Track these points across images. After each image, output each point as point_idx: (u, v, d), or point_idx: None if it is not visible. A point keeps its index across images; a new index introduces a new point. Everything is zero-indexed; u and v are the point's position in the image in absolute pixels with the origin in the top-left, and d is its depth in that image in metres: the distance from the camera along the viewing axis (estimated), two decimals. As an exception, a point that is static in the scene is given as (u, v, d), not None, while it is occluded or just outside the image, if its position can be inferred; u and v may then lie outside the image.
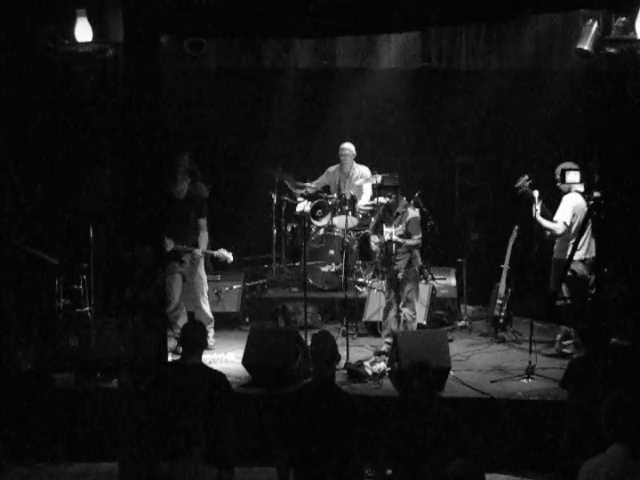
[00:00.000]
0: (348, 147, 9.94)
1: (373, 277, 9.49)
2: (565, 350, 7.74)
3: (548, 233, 7.82)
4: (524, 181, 7.82)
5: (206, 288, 8.24)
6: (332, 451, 4.65)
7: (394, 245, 7.70)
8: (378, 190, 8.39)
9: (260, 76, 10.20)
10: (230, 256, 8.17)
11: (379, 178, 9.48)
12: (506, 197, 10.13)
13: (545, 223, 7.73)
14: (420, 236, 7.88)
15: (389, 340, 7.78)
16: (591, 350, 5.67)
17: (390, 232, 7.70)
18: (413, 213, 7.92)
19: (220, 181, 10.45)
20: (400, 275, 7.80)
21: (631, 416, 4.12)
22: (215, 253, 8.18)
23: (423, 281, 8.58)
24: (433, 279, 9.19)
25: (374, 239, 8.15)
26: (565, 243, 7.62)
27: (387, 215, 7.97)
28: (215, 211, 8.73)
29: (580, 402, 5.19)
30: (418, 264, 7.99)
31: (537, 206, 7.71)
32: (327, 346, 4.87)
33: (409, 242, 7.74)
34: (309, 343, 7.69)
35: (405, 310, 7.79)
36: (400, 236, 7.70)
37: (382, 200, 9.56)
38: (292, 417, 4.75)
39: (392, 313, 7.90)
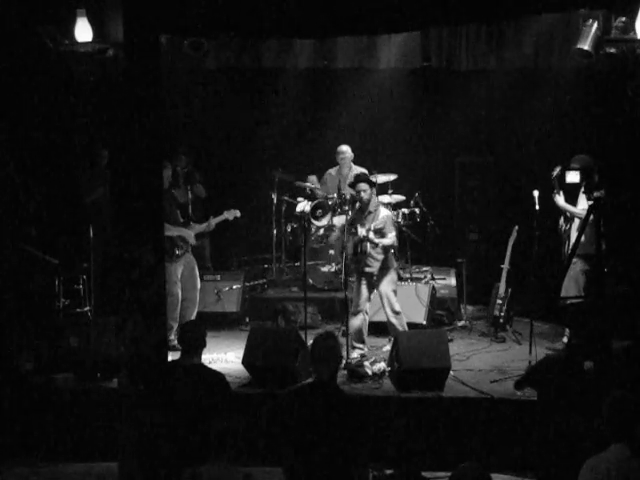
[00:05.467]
0: (346, 150, 9.94)
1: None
2: None
3: (562, 228, 7.83)
4: (558, 171, 7.81)
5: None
6: (332, 451, 4.65)
7: (368, 244, 7.51)
8: (353, 184, 7.94)
9: (260, 76, 10.20)
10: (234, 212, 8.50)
11: (378, 178, 9.51)
12: (506, 197, 10.17)
13: (573, 210, 7.72)
14: (394, 234, 7.67)
15: (360, 345, 7.75)
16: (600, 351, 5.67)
17: (364, 229, 7.49)
18: (385, 212, 7.73)
19: (220, 181, 10.47)
20: (375, 278, 7.69)
21: (632, 415, 4.13)
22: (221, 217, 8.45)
23: (401, 282, 8.52)
24: (433, 279, 9.20)
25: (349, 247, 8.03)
26: (590, 234, 7.51)
27: (359, 215, 7.75)
28: (215, 211, 8.74)
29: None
30: (393, 266, 7.80)
31: (560, 194, 7.75)
32: (330, 347, 4.87)
33: (384, 241, 7.52)
34: (309, 343, 7.77)
35: (395, 322, 7.68)
36: (375, 232, 7.46)
37: (382, 199, 9.64)
38: (291, 416, 4.75)
39: (360, 317, 7.73)
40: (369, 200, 7.66)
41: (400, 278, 8.69)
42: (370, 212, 7.68)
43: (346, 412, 4.74)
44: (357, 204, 7.82)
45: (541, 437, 5.34)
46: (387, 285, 7.72)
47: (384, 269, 7.68)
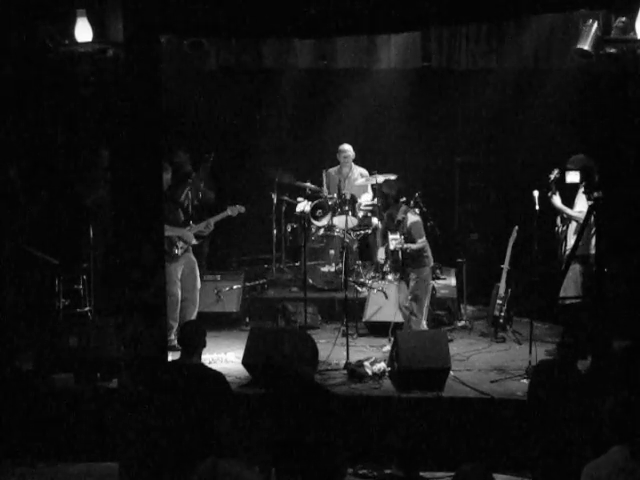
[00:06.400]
0: (348, 148, 9.96)
1: (373, 277, 9.50)
2: None
3: (559, 229, 7.84)
4: (556, 174, 7.82)
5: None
6: (314, 449, 4.64)
7: (400, 253, 7.84)
8: (379, 190, 8.43)
9: (260, 76, 10.20)
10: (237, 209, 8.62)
11: (379, 178, 9.54)
12: (506, 197, 10.17)
13: (570, 212, 7.74)
14: (423, 239, 7.93)
15: None
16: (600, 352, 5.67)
17: (394, 240, 7.83)
18: (413, 218, 7.96)
19: (220, 181, 10.45)
20: (412, 275, 7.90)
21: (633, 417, 4.11)
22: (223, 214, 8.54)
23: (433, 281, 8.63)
24: (438, 278, 9.21)
25: (380, 252, 8.40)
26: (587, 235, 7.53)
27: (390, 223, 8.06)
28: (215, 211, 8.75)
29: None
30: (430, 264, 8.07)
31: (556, 196, 7.77)
32: (307, 346, 4.89)
33: (413, 247, 7.82)
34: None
35: (413, 304, 7.85)
36: (405, 240, 7.82)
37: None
38: (274, 416, 4.75)
39: (405, 314, 8.03)
40: (384, 207, 8.19)
41: (436, 277, 8.76)
42: (399, 221, 7.95)
43: (327, 409, 4.75)
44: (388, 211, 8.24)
45: (537, 439, 5.33)
46: (419, 283, 7.90)
47: (419, 267, 7.91)
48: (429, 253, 8.02)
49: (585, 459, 4.20)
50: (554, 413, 5.24)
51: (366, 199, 9.98)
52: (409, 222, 7.87)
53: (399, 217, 7.93)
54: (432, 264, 8.19)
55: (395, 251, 7.87)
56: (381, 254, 8.35)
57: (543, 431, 5.27)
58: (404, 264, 7.90)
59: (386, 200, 8.08)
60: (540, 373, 5.63)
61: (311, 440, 4.63)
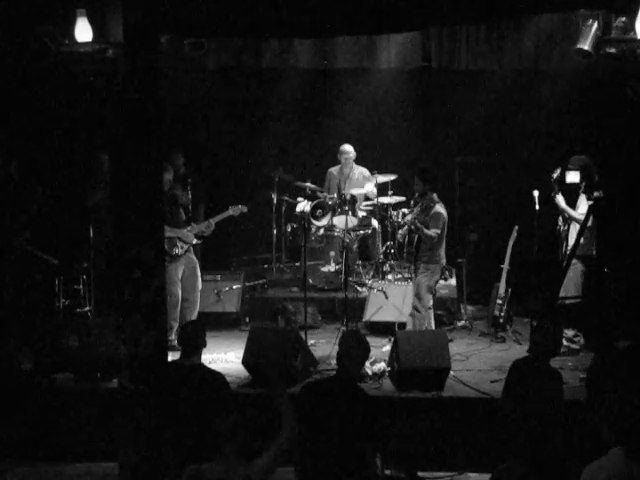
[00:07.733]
0: (349, 149, 9.96)
1: (373, 277, 9.50)
2: (573, 346, 7.74)
3: (560, 228, 7.84)
4: (558, 173, 7.82)
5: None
6: (346, 446, 4.66)
7: (414, 230, 7.86)
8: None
9: (260, 76, 10.20)
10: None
11: (378, 178, 9.54)
12: (506, 197, 10.17)
13: (572, 213, 7.74)
14: (437, 231, 7.76)
15: None
16: (602, 352, 5.66)
17: (410, 215, 7.95)
18: (438, 209, 7.85)
19: (220, 181, 10.47)
20: (420, 269, 7.86)
21: (632, 419, 4.10)
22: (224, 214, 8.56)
23: (443, 281, 8.60)
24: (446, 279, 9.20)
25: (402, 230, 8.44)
26: (589, 235, 7.53)
27: (418, 211, 8.09)
28: (217, 211, 8.75)
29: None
30: (441, 264, 7.95)
31: (560, 196, 7.76)
32: (360, 346, 4.91)
33: (425, 230, 7.75)
34: (310, 343, 7.80)
35: (415, 299, 7.80)
36: (418, 221, 7.80)
37: (382, 200, 9.66)
38: (308, 408, 4.76)
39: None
40: (421, 193, 8.03)
41: (444, 278, 8.74)
42: (426, 207, 7.91)
43: (365, 409, 4.76)
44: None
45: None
46: (423, 278, 7.84)
47: (429, 263, 7.84)
48: (442, 253, 7.90)
49: (584, 460, 4.20)
50: (526, 411, 5.24)
51: (368, 188, 9.90)
52: (432, 211, 7.82)
53: (425, 203, 7.91)
54: (443, 265, 8.06)
55: (411, 230, 7.92)
56: (402, 231, 8.37)
57: (516, 429, 5.27)
58: (417, 257, 7.88)
59: (423, 188, 7.95)
60: (512, 371, 5.65)
61: (345, 437, 4.64)
